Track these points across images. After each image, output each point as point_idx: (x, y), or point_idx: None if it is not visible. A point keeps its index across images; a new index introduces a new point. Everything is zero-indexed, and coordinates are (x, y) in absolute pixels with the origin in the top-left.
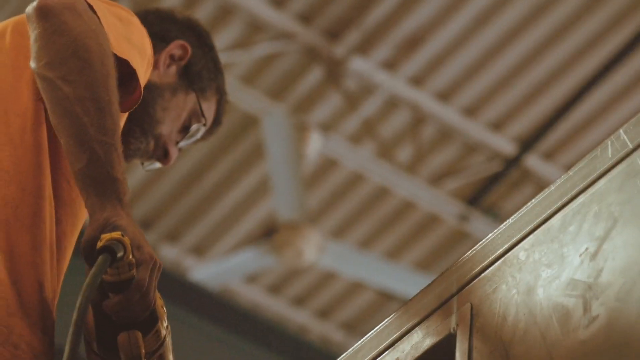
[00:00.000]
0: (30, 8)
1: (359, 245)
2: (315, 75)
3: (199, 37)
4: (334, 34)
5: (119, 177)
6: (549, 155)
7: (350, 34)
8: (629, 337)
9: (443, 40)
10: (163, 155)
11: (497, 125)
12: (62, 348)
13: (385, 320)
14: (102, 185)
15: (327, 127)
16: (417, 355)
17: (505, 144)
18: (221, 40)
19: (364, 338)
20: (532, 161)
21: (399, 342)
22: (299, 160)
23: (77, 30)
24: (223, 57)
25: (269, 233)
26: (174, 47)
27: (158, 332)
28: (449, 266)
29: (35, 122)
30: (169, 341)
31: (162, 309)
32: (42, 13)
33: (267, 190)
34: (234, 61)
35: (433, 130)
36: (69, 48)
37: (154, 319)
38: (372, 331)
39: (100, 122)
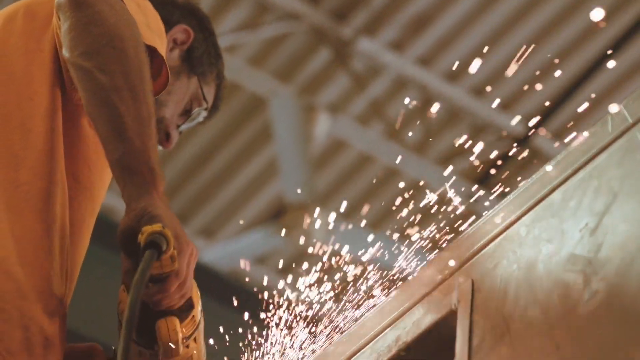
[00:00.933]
0: None
1: (368, 226)
2: (322, 56)
3: (200, 21)
4: (341, 14)
5: (154, 167)
6: (558, 135)
7: (357, 14)
8: (629, 311)
9: (451, 20)
10: (165, 138)
11: (506, 105)
12: (84, 334)
13: (388, 296)
14: (139, 175)
15: (335, 108)
16: (418, 332)
17: (514, 124)
18: (228, 21)
19: (366, 315)
20: (541, 140)
21: (401, 319)
22: (306, 142)
23: (111, 20)
24: (230, 39)
25: (277, 214)
26: (177, 31)
27: (194, 317)
28: (451, 243)
29: (49, 107)
30: (202, 324)
31: (197, 293)
32: (76, 3)
33: (275, 171)
34: (241, 43)
35: (441, 111)
36: (104, 38)
37: (190, 305)
38: (375, 308)
39: (136, 111)
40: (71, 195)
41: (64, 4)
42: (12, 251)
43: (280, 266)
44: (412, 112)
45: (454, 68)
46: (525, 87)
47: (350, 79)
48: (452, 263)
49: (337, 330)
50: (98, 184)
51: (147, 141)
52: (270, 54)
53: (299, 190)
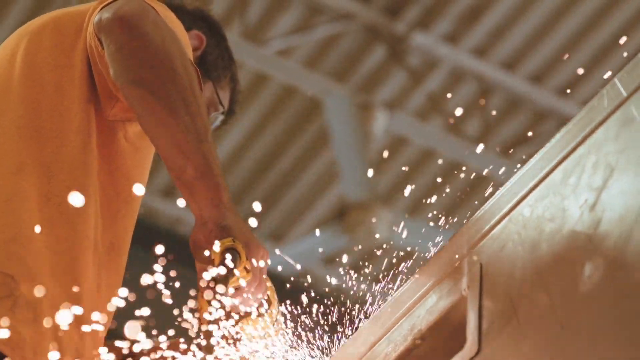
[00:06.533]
0: (106, 19)
1: (434, 221)
2: (377, 53)
3: (211, 27)
4: (393, 10)
5: (217, 178)
6: None
7: (410, 9)
8: (628, 285)
9: (504, 8)
10: None
11: (565, 90)
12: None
13: (403, 285)
14: (204, 189)
15: (392, 105)
16: (431, 319)
17: (574, 109)
18: (281, 25)
19: (384, 305)
20: None
21: (415, 307)
22: (364, 140)
23: (158, 40)
24: (284, 42)
25: (340, 214)
26: (190, 38)
27: (272, 314)
28: (460, 227)
29: (81, 123)
30: (280, 319)
31: (272, 291)
32: (121, 25)
33: (337, 171)
34: (294, 45)
35: (500, 100)
36: (153, 60)
37: (267, 302)
38: (392, 297)
39: (194, 126)
40: (114, 208)
41: (107, 26)
42: (46, 263)
43: (346, 265)
44: (471, 104)
45: (510, 57)
46: (585, 71)
47: (407, 74)
48: (461, 248)
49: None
50: (137, 198)
51: (207, 154)
52: (325, 54)
53: (359, 190)
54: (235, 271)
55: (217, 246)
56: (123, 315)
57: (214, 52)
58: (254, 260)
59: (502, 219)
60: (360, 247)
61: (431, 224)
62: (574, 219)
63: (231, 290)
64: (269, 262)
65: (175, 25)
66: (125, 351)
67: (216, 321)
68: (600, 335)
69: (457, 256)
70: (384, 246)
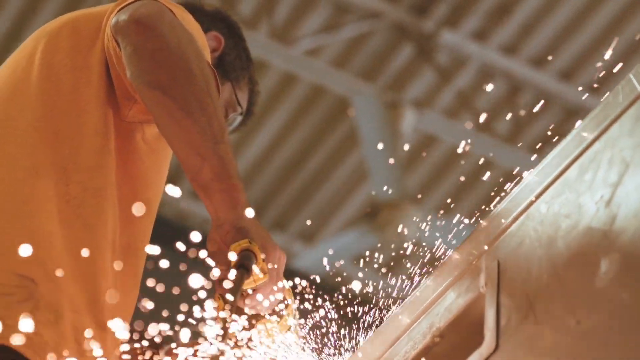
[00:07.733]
0: (123, 21)
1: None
2: (405, 52)
3: (230, 28)
4: (421, 8)
5: (234, 180)
6: None
7: (438, 7)
8: None
9: (533, 4)
10: None
11: (595, 87)
12: None
13: (423, 283)
14: (220, 190)
15: (422, 104)
16: (450, 317)
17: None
18: (309, 25)
19: (403, 303)
20: None
21: (434, 305)
22: (393, 139)
23: (174, 42)
24: (312, 42)
25: (371, 214)
26: (208, 39)
27: (289, 316)
28: (478, 225)
29: (98, 125)
30: (297, 323)
31: (290, 293)
32: (137, 27)
33: (366, 170)
34: (323, 45)
35: (530, 98)
36: (169, 62)
37: (284, 305)
38: (411, 295)
39: (210, 128)
40: (131, 210)
41: (124, 28)
42: (65, 266)
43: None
44: (501, 101)
45: (539, 53)
46: (615, 67)
47: (435, 72)
48: (479, 245)
49: None
50: (154, 199)
51: (223, 156)
52: (353, 54)
53: (388, 188)
54: (255, 270)
55: (234, 247)
56: (143, 315)
57: (232, 53)
58: (270, 262)
59: (519, 216)
60: (390, 246)
61: (456, 221)
62: (590, 215)
63: (248, 292)
64: (285, 263)
65: (193, 27)
66: (146, 354)
67: (231, 322)
68: (617, 330)
69: (475, 253)
70: (414, 245)
